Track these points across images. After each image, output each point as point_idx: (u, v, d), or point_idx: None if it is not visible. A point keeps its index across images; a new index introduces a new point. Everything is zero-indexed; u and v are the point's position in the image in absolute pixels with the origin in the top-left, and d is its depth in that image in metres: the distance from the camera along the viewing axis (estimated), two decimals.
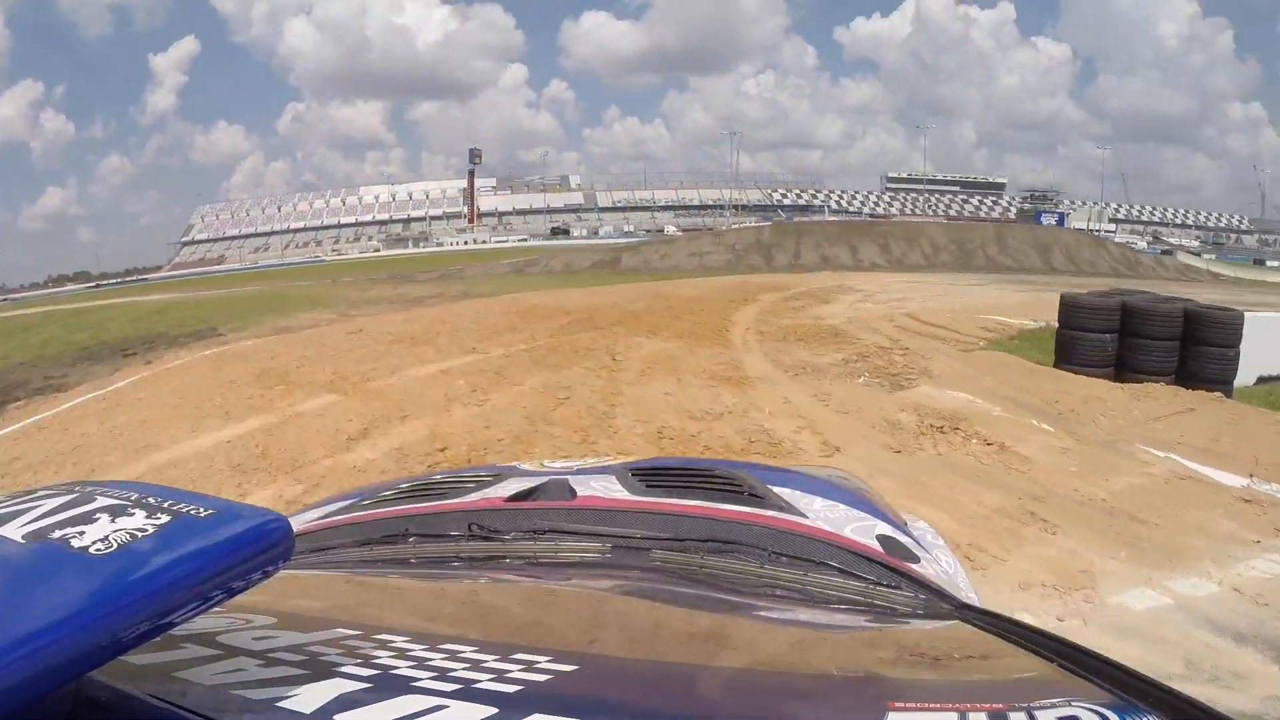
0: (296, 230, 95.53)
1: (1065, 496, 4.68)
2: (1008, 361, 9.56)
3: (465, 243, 71.01)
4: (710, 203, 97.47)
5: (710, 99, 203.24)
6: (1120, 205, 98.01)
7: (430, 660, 0.61)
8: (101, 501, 0.53)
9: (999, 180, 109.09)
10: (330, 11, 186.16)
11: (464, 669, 0.59)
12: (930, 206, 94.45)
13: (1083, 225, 54.29)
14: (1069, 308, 8.74)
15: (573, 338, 11.35)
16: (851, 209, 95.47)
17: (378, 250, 71.36)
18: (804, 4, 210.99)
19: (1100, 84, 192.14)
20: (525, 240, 70.69)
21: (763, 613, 0.98)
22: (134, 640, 0.45)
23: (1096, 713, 0.60)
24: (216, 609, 0.51)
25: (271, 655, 0.61)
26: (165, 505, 0.53)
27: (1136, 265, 42.31)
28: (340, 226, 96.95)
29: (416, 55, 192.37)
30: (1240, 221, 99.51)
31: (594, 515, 1.23)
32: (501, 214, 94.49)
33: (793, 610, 0.97)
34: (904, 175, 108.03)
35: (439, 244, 71.32)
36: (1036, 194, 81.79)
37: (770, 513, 1.22)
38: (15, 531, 0.50)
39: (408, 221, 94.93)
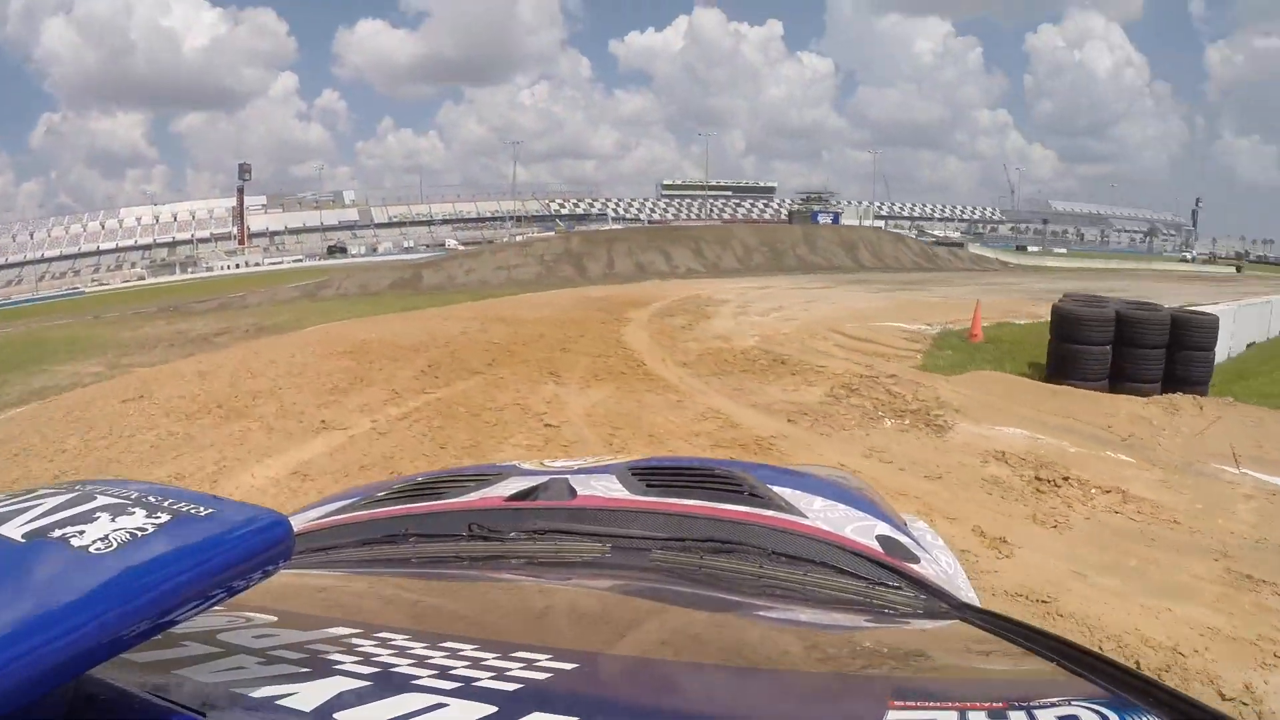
0: (52, 259, 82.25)
1: (1234, 543, 4.31)
2: (1009, 381, 8.67)
3: (237, 266, 64.61)
4: (489, 215, 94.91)
5: (486, 110, 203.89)
6: (883, 203, 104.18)
7: (430, 658, 0.61)
8: (102, 500, 0.53)
9: (769, 185, 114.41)
10: (92, 10, 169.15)
11: (464, 667, 0.59)
12: (705, 211, 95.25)
13: (854, 222, 57.20)
14: (1068, 321, 8.35)
15: (453, 390, 8.31)
16: (629, 216, 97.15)
17: (142, 278, 62.23)
18: (580, 17, 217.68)
19: (861, 95, 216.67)
20: (301, 261, 64.55)
21: (763, 612, 0.98)
22: (134, 639, 0.45)
23: (1096, 712, 0.60)
24: (217, 607, 0.51)
25: (271, 653, 0.61)
26: (165, 504, 0.53)
27: (935, 258, 45.34)
28: (100, 253, 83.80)
29: (182, 61, 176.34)
30: (993, 213, 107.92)
31: (594, 515, 1.23)
32: (274, 234, 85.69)
33: (793, 610, 0.97)
34: (679, 182, 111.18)
35: (209, 268, 64.53)
36: (812, 195, 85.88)
37: (770, 513, 1.22)
38: (15, 530, 0.50)
39: (173, 245, 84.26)
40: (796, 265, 36.77)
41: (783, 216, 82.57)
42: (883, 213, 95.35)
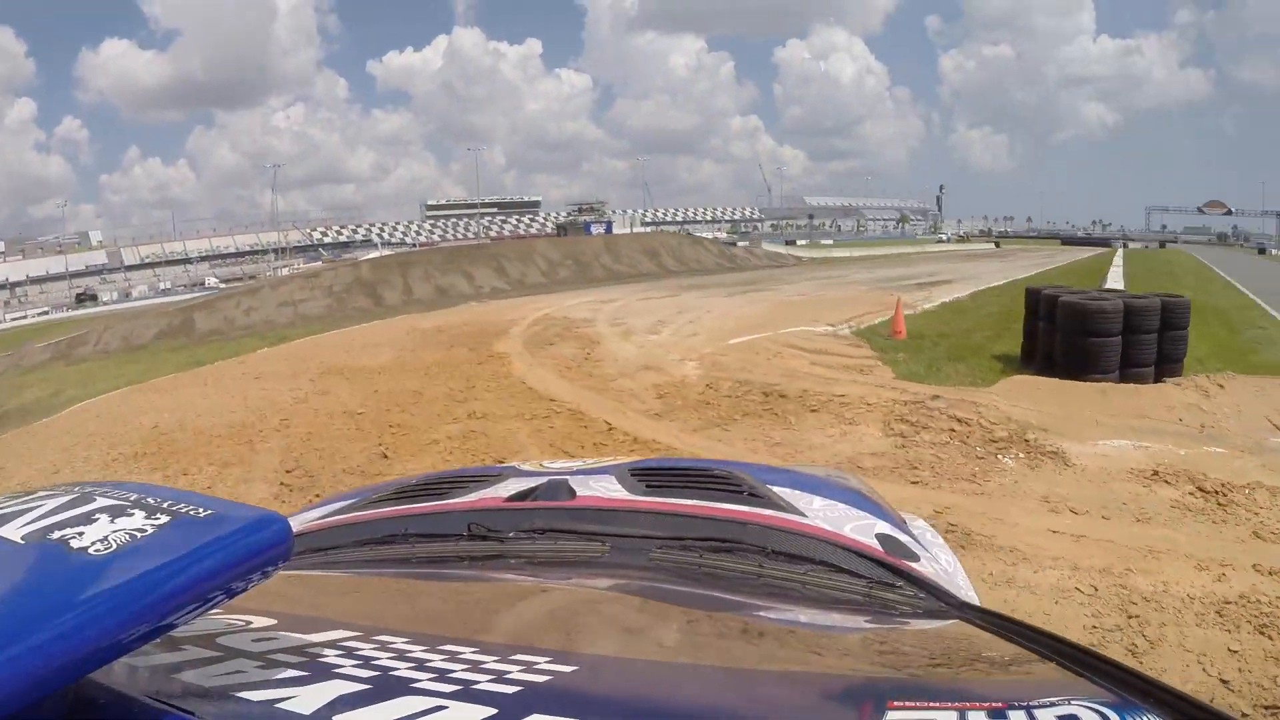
0: None
1: None
2: (1043, 385, 7.94)
3: None
4: (249, 249, 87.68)
5: (240, 135, 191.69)
6: (647, 210, 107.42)
7: (430, 661, 0.61)
8: (101, 502, 0.53)
9: (534, 199, 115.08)
10: None
11: (463, 670, 0.59)
12: (470, 230, 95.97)
13: (625, 230, 58.24)
14: (1084, 314, 8.16)
15: None
16: (394, 240, 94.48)
17: None
18: (337, 37, 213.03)
19: (619, 107, 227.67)
20: (47, 314, 55.24)
21: (762, 612, 0.98)
22: (134, 641, 0.45)
23: (1096, 711, 0.59)
24: (216, 610, 0.51)
25: (271, 656, 0.61)
26: (165, 506, 0.53)
27: (734, 258, 45.30)
28: None
29: None
30: (752, 212, 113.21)
31: (594, 515, 1.23)
32: (14, 285, 73.56)
33: (792, 610, 0.97)
34: (443, 202, 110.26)
35: None
36: (583, 206, 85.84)
37: (770, 512, 1.21)
38: (15, 532, 0.50)
39: None
40: (605, 275, 35.10)
41: (549, 230, 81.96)
42: (648, 218, 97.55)
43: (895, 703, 0.58)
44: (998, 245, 74.54)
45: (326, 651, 0.63)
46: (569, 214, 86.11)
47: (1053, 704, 0.60)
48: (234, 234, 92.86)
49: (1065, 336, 8.26)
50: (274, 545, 0.52)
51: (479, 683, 0.56)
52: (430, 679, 0.57)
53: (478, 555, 1.14)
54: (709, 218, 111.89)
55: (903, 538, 1.24)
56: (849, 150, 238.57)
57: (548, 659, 0.63)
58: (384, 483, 1.73)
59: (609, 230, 56.49)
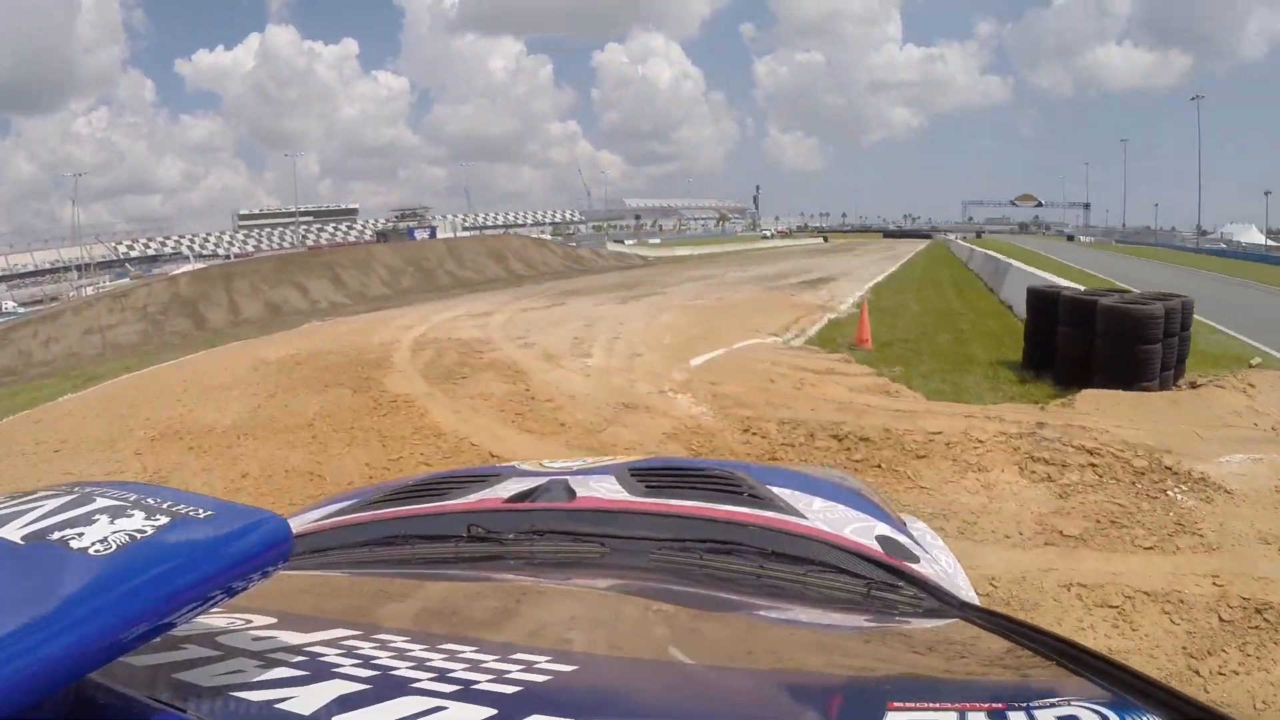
0: None
1: None
2: (1113, 397, 6.97)
3: None
4: (49, 266, 77.08)
5: (36, 143, 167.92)
6: (468, 215, 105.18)
7: (429, 661, 0.61)
8: (101, 502, 0.53)
9: (351, 206, 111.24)
10: None
11: (463, 669, 0.59)
12: (285, 239, 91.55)
13: (449, 235, 57.70)
14: (1138, 320, 7.54)
15: None
16: (207, 253, 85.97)
17: None
18: (144, 34, 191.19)
19: (437, 112, 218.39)
20: None
21: (762, 613, 0.99)
22: (134, 641, 0.45)
23: (1096, 712, 0.59)
24: (216, 609, 0.51)
25: (271, 656, 0.61)
26: (164, 506, 0.53)
27: (580, 259, 43.51)
28: None
29: None
30: (573, 214, 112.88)
31: (593, 516, 1.23)
32: None
33: (792, 610, 0.97)
34: (256, 211, 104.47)
35: None
36: (406, 212, 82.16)
37: (769, 513, 1.21)
38: (15, 533, 0.49)
39: None
40: (452, 283, 32.28)
41: (369, 237, 78.06)
42: (468, 224, 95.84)
43: (895, 703, 0.58)
44: (825, 240, 77.30)
45: (326, 651, 0.62)
46: (390, 220, 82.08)
47: (1053, 704, 0.60)
48: (32, 250, 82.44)
49: (1110, 344, 7.63)
50: (273, 546, 0.52)
51: (479, 683, 0.56)
52: (430, 679, 0.56)
53: (478, 556, 1.13)
54: (530, 221, 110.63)
55: (903, 539, 1.24)
56: (666, 154, 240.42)
57: (547, 659, 0.63)
58: (384, 483, 1.74)
59: (432, 235, 55.50)
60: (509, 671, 0.59)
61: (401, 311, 19.60)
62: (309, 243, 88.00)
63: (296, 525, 1.30)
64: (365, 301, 27.02)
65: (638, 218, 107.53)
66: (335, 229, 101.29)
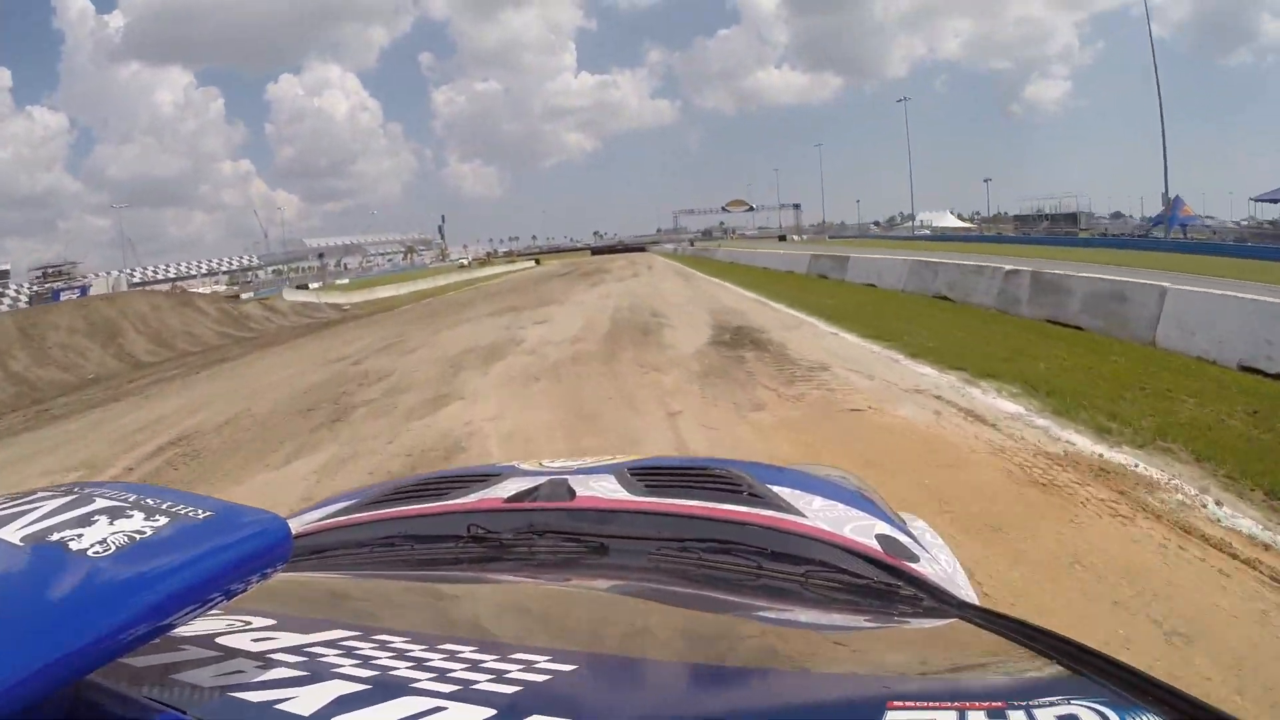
0: None
1: None
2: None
3: None
4: None
5: None
6: (134, 269, 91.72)
7: (429, 661, 0.61)
8: (100, 503, 0.53)
9: (3, 268, 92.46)
10: None
11: (463, 670, 0.59)
12: None
13: (106, 291, 49.20)
14: None
15: None
16: None
17: None
18: None
19: (99, 153, 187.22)
20: None
21: (762, 612, 0.98)
22: (133, 642, 0.45)
23: (1096, 711, 0.60)
24: (215, 610, 0.51)
25: (270, 657, 0.61)
26: (163, 507, 0.53)
27: (248, 319, 28.51)
28: None
29: None
30: (250, 259, 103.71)
31: (593, 516, 1.23)
32: None
33: (792, 610, 0.97)
34: None
35: None
36: (50, 270, 71.06)
37: (769, 512, 1.21)
38: (14, 534, 0.49)
39: None
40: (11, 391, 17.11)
41: (23, 303, 60.99)
42: (136, 279, 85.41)
43: (895, 702, 0.58)
44: (538, 263, 74.47)
45: (326, 652, 0.62)
46: (34, 280, 70.79)
47: (1052, 704, 0.60)
48: None
49: None
50: (273, 547, 0.52)
51: (478, 682, 0.56)
52: (430, 679, 0.56)
53: (477, 556, 1.13)
54: (204, 270, 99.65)
55: (902, 538, 1.24)
56: (345, 190, 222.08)
57: (547, 659, 0.63)
58: (383, 483, 1.74)
59: (83, 293, 46.91)
60: (508, 671, 0.59)
61: None
62: None
63: (296, 526, 1.30)
64: None
65: (321, 256, 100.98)
66: None
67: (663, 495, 1.31)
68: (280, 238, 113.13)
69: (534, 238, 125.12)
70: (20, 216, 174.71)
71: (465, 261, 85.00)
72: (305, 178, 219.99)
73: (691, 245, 75.29)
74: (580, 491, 1.33)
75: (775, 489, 1.33)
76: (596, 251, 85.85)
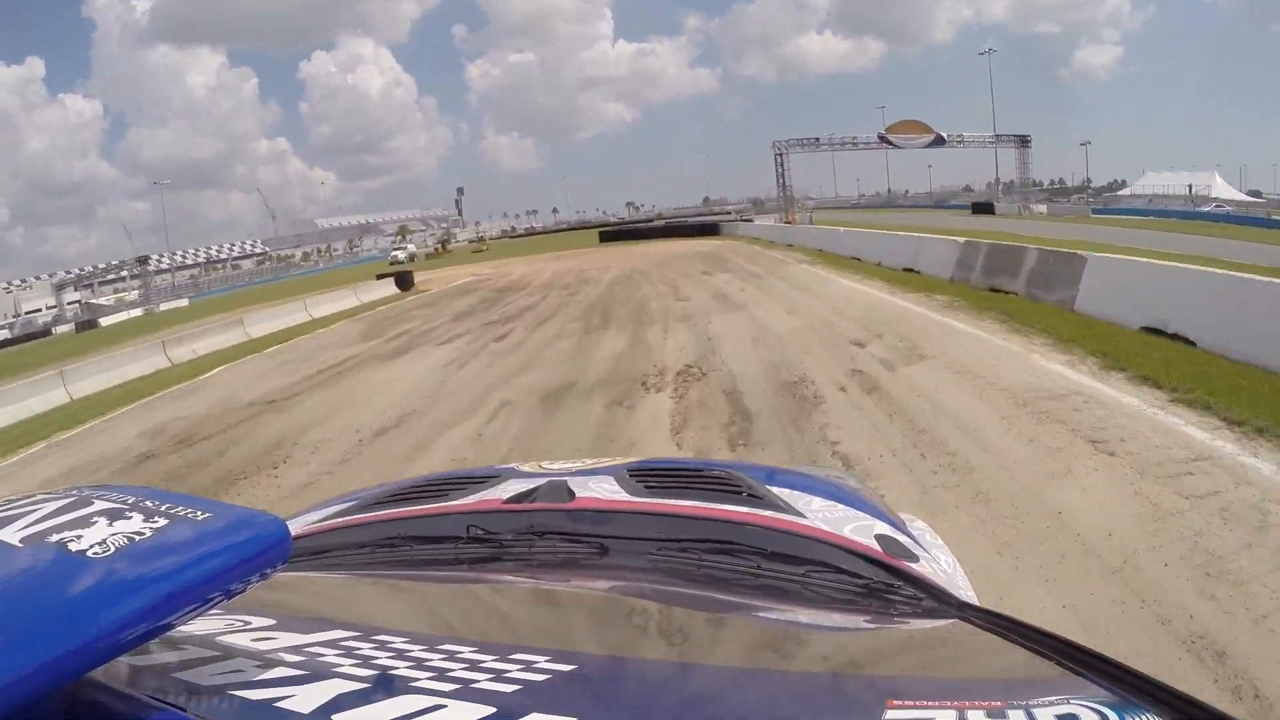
0: None
1: None
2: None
3: None
4: None
5: None
6: (163, 255, 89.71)
7: (429, 660, 0.61)
8: (99, 505, 0.54)
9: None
10: None
11: (462, 669, 0.59)
12: None
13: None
14: None
15: None
16: None
17: None
18: None
19: (132, 137, 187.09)
20: None
21: (762, 613, 0.98)
22: (132, 641, 0.45)
23: (1095, 711, 0.60)
24: (216, 610, 0.51)
25: (270, 656, 0.61)
26: (162, 509, 0.53)
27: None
28: None
29: None
30: (254, 246, 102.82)
31: (592, 517, 1.23)
32: None
33: (792, 610, 0.97)
34: None
35: None
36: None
37: (769, 513, 1.22)
38: (14, 535, 0.50)
39: None
40: None
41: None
42: (175, 264, 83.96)
43: (894, 702, 0.58)
44: (487, 244, 61.02)
45: (325, 651, 0.62)
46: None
47: (1052, 703, 0.61)
48: None
49: None
50: (272, 547, 0.52)
51: (478, 681, 0.56)
52: (429, 678, 0.57)
53: (477, 557, 1.13)
54: (236, 253, 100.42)
55: (902, 538, 1.24)
56: (381, 166, 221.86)
57: (547, 659, 0.63)
58: (383, 484, 1.72)
59: None
60: (508, 671, 0.59)
61: None
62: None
63: (295, 527, 1.29)
64: None
65: (327, 243, 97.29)
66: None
67: (662, 496, 1.31)
68: (289, 219, 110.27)
69: (555, 210, 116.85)
70: (60, 205, 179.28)
71: (400, 255, 53.60)
72: (341, 155, 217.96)
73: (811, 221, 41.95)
74: (580, 492, 1.33)
75: (774, 489, 1.33)
76: (609, 236, 47.19)
